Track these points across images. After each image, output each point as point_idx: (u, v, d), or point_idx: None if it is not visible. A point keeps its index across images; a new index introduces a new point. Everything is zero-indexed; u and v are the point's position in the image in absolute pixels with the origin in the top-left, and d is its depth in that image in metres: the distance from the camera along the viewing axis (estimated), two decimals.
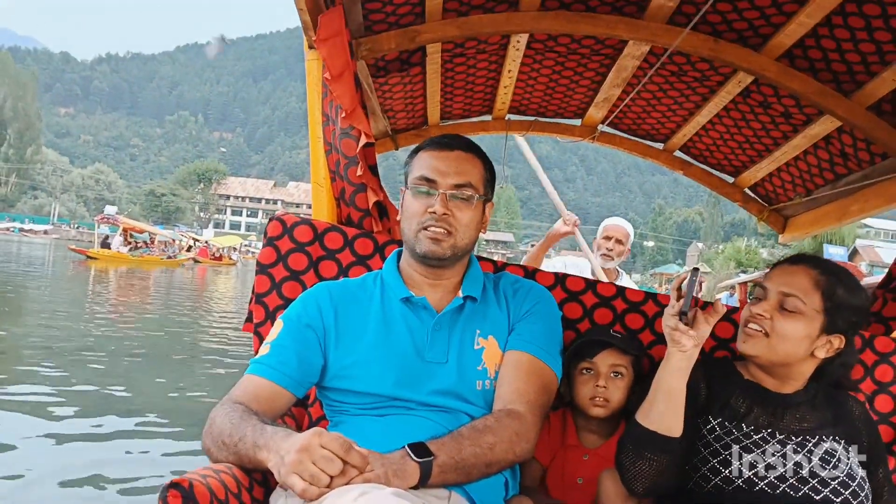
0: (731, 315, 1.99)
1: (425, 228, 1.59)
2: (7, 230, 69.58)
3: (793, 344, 1.59)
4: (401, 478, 1.28)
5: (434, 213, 1.58)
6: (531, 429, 1.51)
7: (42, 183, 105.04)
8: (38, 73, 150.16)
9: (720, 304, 1.47)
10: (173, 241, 43.17)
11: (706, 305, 1.52)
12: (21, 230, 71.82)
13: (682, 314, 1.42)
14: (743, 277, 23.93)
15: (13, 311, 11.99)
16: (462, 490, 1.45)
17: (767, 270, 1.74)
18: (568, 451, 1.85)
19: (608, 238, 3.58)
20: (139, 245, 37.31)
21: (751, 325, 1.62)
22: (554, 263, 3.84)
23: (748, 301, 1.72)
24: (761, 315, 1.60)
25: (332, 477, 1.17)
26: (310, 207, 2.12)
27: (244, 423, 1.37)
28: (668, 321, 1.44)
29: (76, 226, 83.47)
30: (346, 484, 1.19)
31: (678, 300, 1.46)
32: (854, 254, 37.84)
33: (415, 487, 1.31)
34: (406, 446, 1.35)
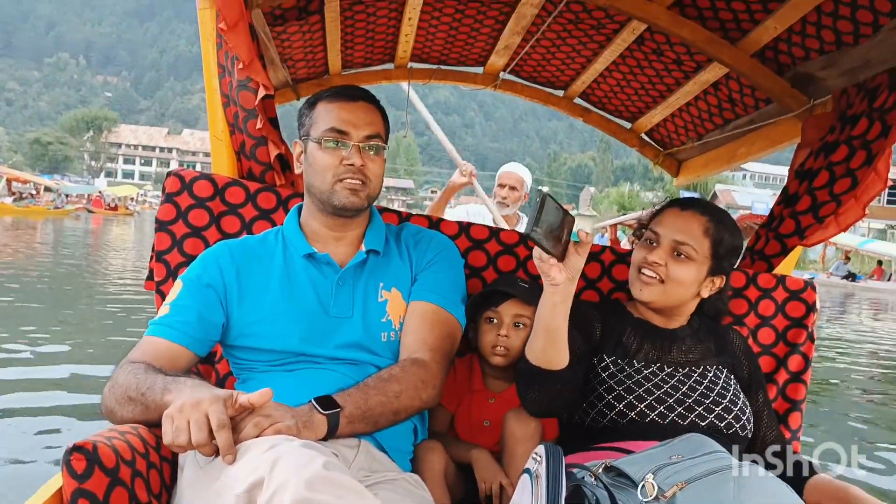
0: (627, 259, 2.07)
1: (341, 181, 1.58)
2: None
3: (685, 288, 1.69)
4: (310, 430, 1.29)
5: (352, 164, 1.56)
6: (436, 376, 1.55)
7: None
8: None
9: (584, 234, 1.42)
10: (59, 191, 41.41)
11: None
12: None
13: (526, 236, 1.32)
14: (611, 220, 26.12)
15: None
16: (372, 438, 1.49)
17: (641, 212, 1.80)
18: (474, 396, 1.90)
19: (502, 186, 3.75)
20: (24, 195, 35.58)
21: (646, 272, 1.69)
22: (456, 212, 3.97)
23: (636, 244, 1.80)
24: (656, 262, 1.68)
25: (189, 443, 1.16)
26: (206, 156, 2.06)
27: (151, 375, 1.36)
28: (535, 253, 1.40)
29: None
30: (258, 436, 1.20)
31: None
32: (714, 197, 41.66)
33: (324, 439, 1.32)
34: (312, 400, 1.36)
